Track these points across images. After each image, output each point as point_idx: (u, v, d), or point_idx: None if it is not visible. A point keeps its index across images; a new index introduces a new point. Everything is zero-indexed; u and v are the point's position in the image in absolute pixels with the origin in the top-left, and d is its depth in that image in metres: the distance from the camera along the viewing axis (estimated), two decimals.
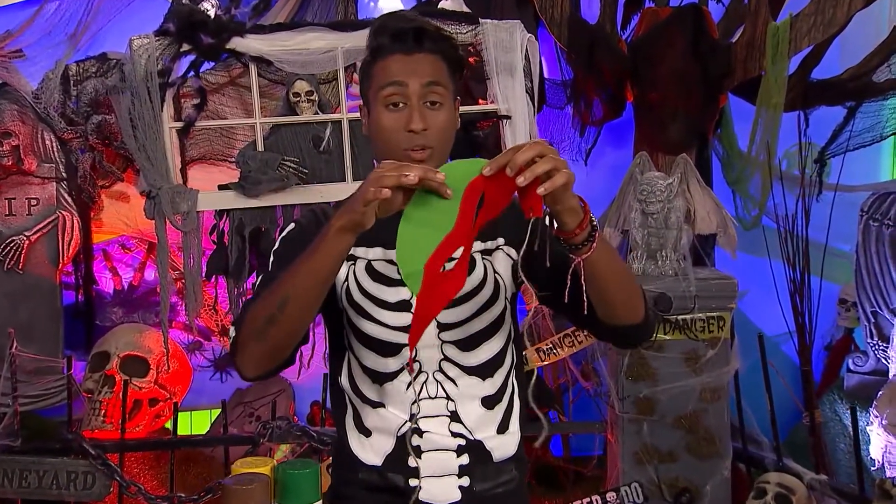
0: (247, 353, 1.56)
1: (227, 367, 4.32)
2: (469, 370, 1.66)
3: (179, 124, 3.45)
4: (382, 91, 1.60)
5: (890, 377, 4.04)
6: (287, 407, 3.98)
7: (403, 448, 1.64)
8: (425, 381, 1.65)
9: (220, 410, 3.64)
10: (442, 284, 1.38)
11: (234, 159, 3.72)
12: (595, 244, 1.44)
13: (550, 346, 3.53)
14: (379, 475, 1.67)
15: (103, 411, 3.74)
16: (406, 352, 1.64)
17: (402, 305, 1.65)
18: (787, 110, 3.86)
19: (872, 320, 4.28)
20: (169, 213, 3.37)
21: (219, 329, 4.13)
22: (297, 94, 3.48)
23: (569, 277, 1.46)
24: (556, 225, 1.43)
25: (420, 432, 1.65)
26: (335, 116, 3.52)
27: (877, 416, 3.79)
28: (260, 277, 1.66)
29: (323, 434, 3.39)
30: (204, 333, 4.22)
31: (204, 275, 3.53)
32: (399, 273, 1.48)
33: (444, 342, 1.65)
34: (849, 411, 4.21)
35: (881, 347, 4.23)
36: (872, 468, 3.70)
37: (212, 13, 3.47)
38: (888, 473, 3.69)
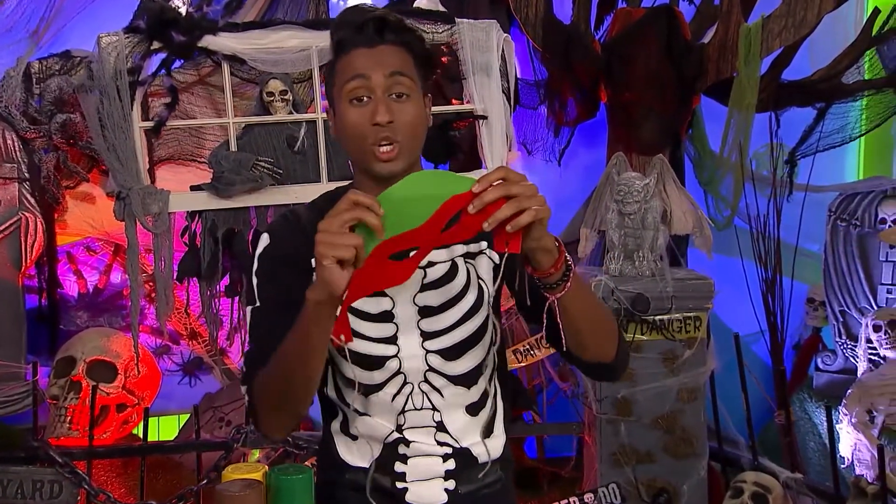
0: (272, 422, 1.58)
1: (195, 371, 4.25)
2: (454, 379, 1.64)
3: (150, 124, 3.37)
4: (346, 86, 1.54)
5: (858, 375, 4.10)
6: None
7: (390, 454, 1.64)
8: (411, 393, 1.63)
9: (188, 416, 3.57)
10: (384, 270, 1.36)
11: (203, 159, 3.65)
12: (569, 284, 1.42)
13: (527, 347, 3.53)
14: (366, 476, 1.66)
15: (69, 418, 3.65)
16: (391, 363, 1.62)
17: (385, 316, 1.62)
18: (758, 111, 3.89)
19: (841, 319, 4.34)
20: (140, 214, 3.29)
21: (188, 332, 4.05)
22: (270, 94, 3.42)
23: (544, 316, 1.46)
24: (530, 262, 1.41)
25: (407, 442, 1.64)
26: (309, 116, 3.47)
27: (846, 415, 3.83)
28: (251, 310, 1.63)
29: (298, 438, 3.34)
30: (173, 337, 4.14)
31: (175, 277, 3.46)
32: None
33: (428, 352, 1.63)
34: (818, 410, 4.26)
35: (849, 346, 4.29)
36: (842, 466, 3.73)
37: (183, 10, 3.39)
38: (857, 471, 3.73)
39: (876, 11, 3.85)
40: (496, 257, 1.67)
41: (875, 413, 3.76)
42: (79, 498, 3.27)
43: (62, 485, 3.23)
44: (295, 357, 1.46)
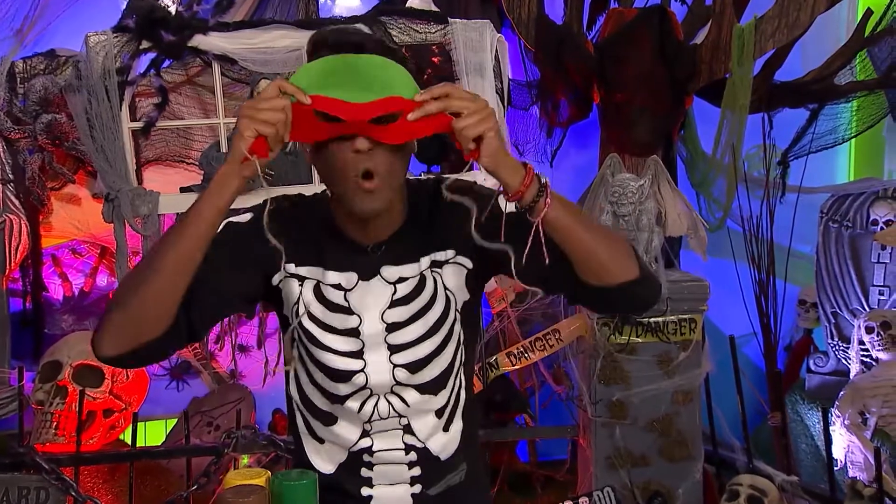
0: (107, 323, 1.48)
1: (183, 375, 4.19)
2: (421, 388, 1.64)
3: (139, 124, 3.33)
4: None
5: (851, 377, 4.09)
6: (248, 416, 3.86)
7: (356, 460, 1.66)
8: (376, 403, 1.63)
9: (175, 420, 3.51)
10: (308, 123, 1.41)
11: (191, 160, 3.61)
12: (548, 199, 1.39)
13: (521, 350, 3.49)
14: (333, 480, 1.68)
15: (55, 423, 3.57)
16: (357, 378, 1.61)
17: (351, 332, 1.61)
18: (750, 112, 3.87)
19: (833, 321, 4.33)
20: (129, 216, 3.25)
21: None
22: None
23: (530, 238, 1.41)
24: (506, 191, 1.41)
25: (371, 452, 1.65)
26: None
27: (838, 417, 3.83)
28: None
29: (289, 443, 3.30)
30: None
31: None
32: (346, 299, 1.56)
33: (395, 366, 1.62)
34: (810, 411, 4.25)
35: (841, 348, 4.28)
36: (835, 468, 3.73)
37: (172, 9, 3.34)
38: (850, 473, 3.72)
39: (868, 12, 3.83)
40: (468, 263, 1.64)
41: (867, 415, 3.75)
42: None
43: (49, 491, 3.18)
44: (172, 242, 1.43)
